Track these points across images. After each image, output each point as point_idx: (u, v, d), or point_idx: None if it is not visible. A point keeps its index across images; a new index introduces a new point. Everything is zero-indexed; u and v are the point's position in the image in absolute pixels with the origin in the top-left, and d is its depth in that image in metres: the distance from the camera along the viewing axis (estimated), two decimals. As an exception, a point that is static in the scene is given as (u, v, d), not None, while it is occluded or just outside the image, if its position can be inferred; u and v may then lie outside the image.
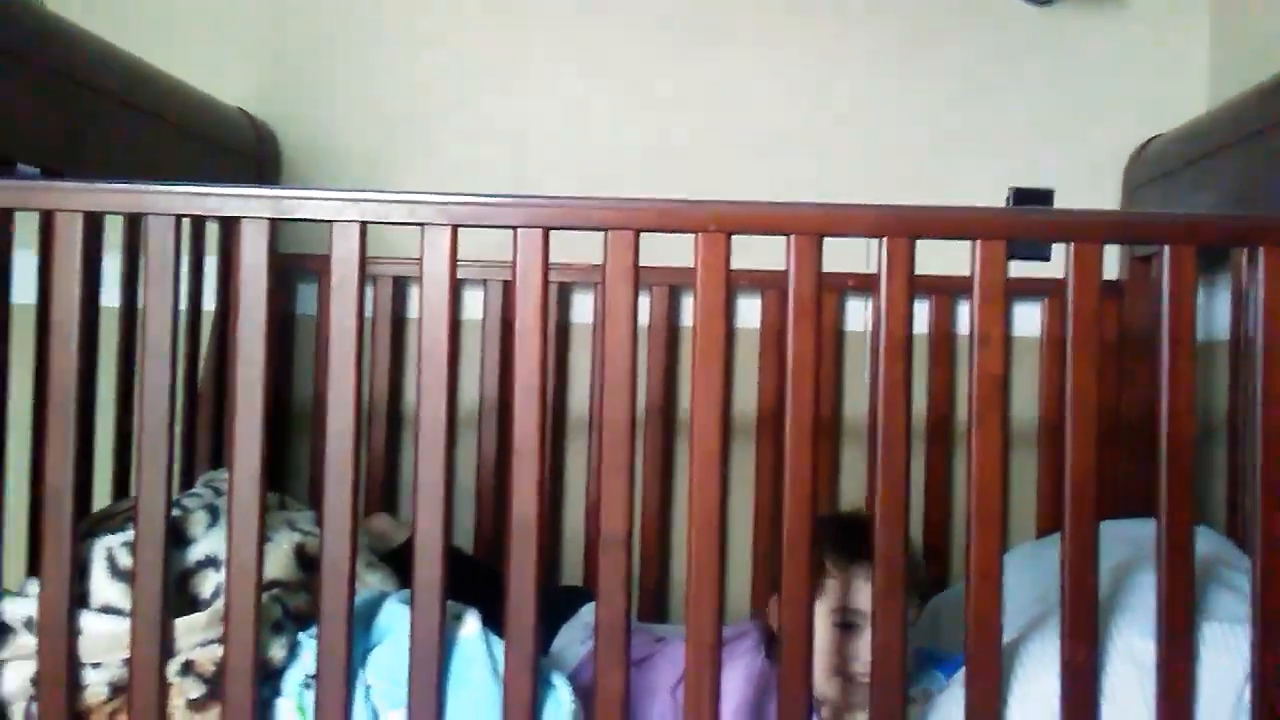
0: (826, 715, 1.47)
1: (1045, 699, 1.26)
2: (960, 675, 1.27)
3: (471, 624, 1.30)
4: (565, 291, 2.10)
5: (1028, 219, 1.28)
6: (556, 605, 1.73)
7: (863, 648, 1.43)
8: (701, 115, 2.11)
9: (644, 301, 2.04)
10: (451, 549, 1.31)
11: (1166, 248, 1.25)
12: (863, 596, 1.44)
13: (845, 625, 1.46)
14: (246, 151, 2.02)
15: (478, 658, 1.27)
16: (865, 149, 2.09)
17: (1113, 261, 2.00)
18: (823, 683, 1.46)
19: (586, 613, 1.73)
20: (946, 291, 1.99)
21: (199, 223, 1.85)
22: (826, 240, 1.25)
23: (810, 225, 1.26)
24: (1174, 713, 1.24)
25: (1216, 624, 1.30)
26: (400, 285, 2.10)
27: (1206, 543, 1.48)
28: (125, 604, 1.27)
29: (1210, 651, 1.27)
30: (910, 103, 2.10)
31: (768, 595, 1.57)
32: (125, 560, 1.30)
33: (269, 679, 1.30)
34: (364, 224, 1.26)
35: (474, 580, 1.46)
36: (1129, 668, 1.27)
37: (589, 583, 1.97)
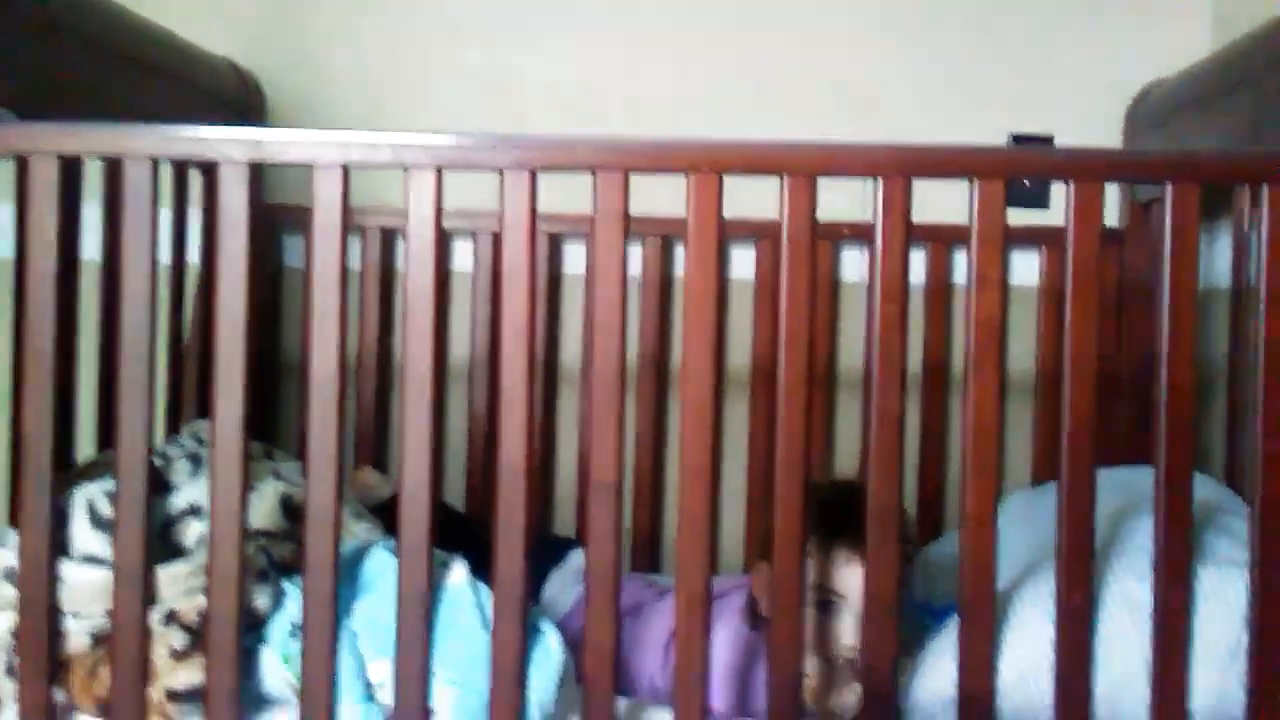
0: (806, 696, 1.42)
1: (1039, 643, 1.25)
2: (953, 621, 1.26)
3: (459, 572, 1.28)
4: (556, 242, 2.06)
5: (1027, 158, 1.25)
6: (547, 555, 1.72)
7: (843, 630, 1.37)
8: (699, 66, 2.07)
9: (636, 253, 2.00)
10: (440, 504, 1.29)
11: (1169, 186, 1.22)
12: (843, 577, 1.37)
13: (822, 604, 1.38)
14: (232, 103, 1.97)
15: (465, 606, 1.25)
16: (864, 94, 2.05)
17: (1112, 210, 1.97)
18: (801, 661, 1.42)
19: (576, 557, 1.71)
20: (943, 240, 1.96)
21: (182, 175, 1.81)
22: (822, 189, 1.22)
23: (804, 165, 1.22)
24: (1170, 656, 1.23)
25: (1214, 568, 1.28)
26: (389, 237, 2.06)
27: (1204, 489, 1.46)
28: (107, 553, 1.25)
29: (1207, 596, 1.26)
30: (909, 48, 2.05)
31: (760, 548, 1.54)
32: (106, 509, 1.28)
33: (254, 628, 1.28)
34: (346, 167, 1.23)
35: (462, 535, 1.44)
36: (1124, 612, 1.26)
37: (581, 535, 1.96)
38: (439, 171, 1.23)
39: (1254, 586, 1.24)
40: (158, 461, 1.34)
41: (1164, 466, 1.23)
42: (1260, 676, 1.23)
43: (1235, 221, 1.62)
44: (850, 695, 1.35)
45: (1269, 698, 1.20)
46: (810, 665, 1.38)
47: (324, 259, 1.23)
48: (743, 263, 2.04)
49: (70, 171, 1.30)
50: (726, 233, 1.34)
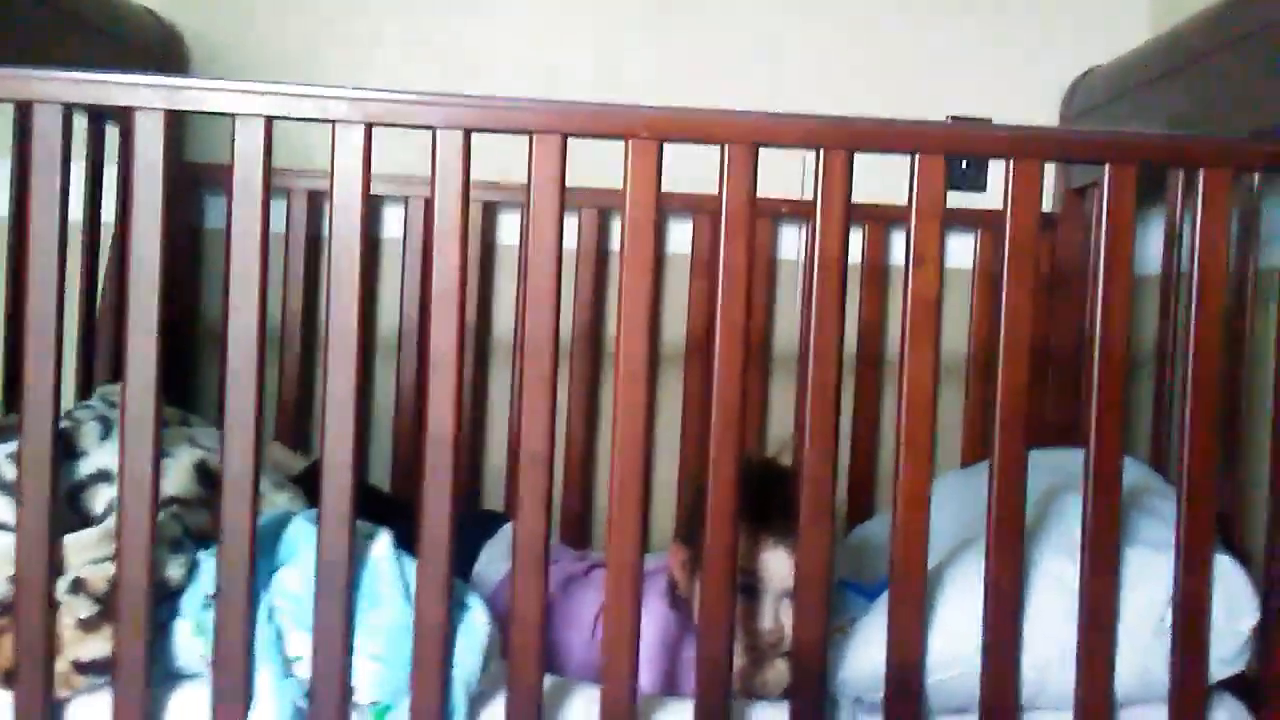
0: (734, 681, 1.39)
1: (968, 621, 1.25)
2: (884, 599, 1.25)
3: (383, 543, 1.24)
4: (490, 211, 2.02)
5: (968, 133, 1.25)
6: (477, 530, 1.68)
7: (763, 614, 1.35)
8: (650, 37, 2.04)
9: (572, 224, 1.97)
10: (363, 484, 1.25)
11: (1107, 167, 1.22)
12: (765, 562, 1.35)
13: (745, 588, 1.34)
14: (151, 53, 1.89)
15: (388, 578, 1.22)
16: (800, 76, 2.04)
17: (1045, 196, 1.98)
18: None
19: (508, 531, 1.68)
20: (880, 220, 1.96)
21: (98, 130, 1.74)
22: (761, 166, 1.20)
23: (746, 134, 1.20)
24: (1097, 635, 1.24)
25: (1140, 549, 1.30)
26: (316, 201, 2.00)
27: (1130, 472, 1.47)
28: (10, 518, 1.19)
29: (1133, 575, 1.27)
30: (845, 30, 2.04)
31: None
32: (9, 472, 1.21)
33: (166, 599, 1.23)
34: (269, 119, 1.18)
35: (386, 516, 1.39)
36: (1052, 591, 1.27)
37: (510, 509, 1.92)
38: (368, 128, 1.18)
39: (1178, 567, 1.25)
40: (65, 424, 1.28)
41: (1094, 444, 1.23)
42: (1183, 655, 1.25)
43: (1168, 208, 1.64)
44: (772, 675, 1.34)
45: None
46: (736, 647, 1.36)
47: (244, 215, 1.18)
48: (679, 237, 2.02)
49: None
50: (663, 205, 1.31)
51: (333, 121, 1.18)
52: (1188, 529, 1.25)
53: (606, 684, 1.20)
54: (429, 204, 1.92)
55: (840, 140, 1.20)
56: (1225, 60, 1.43)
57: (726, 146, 1.20)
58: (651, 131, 1.20)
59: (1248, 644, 1.29)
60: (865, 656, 1.27)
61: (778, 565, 1.34)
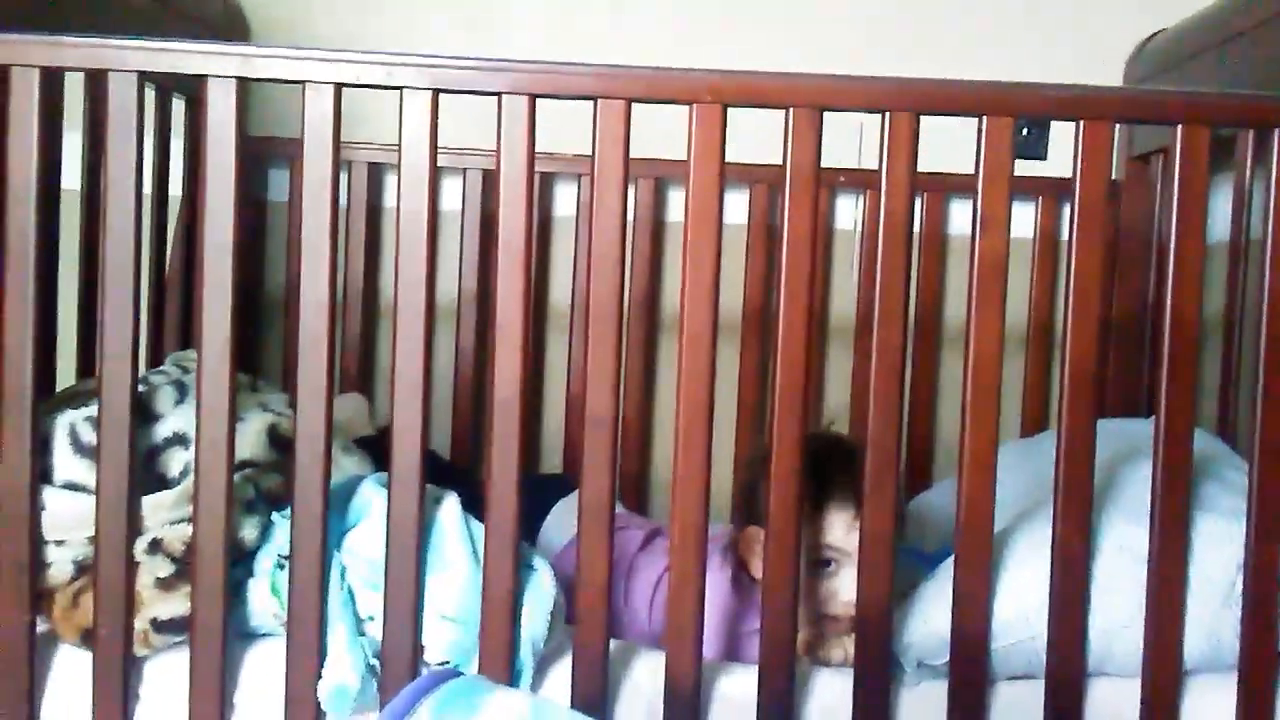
0: (801, 648, 1.41)
1: (1034, 586, 1.24)
2: (947, 564, 1.25)
3: (451, 506, 1.26)
4: (548, 183, 2.03)
5: (1036, 95, 1.23)
6: (536, 494, 1.69)
7: (841, 588, 1.34)
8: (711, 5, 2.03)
9: (629, 194, 1.97)
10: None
11: (1179, 129, 1.20)
12: (838, 532, 1.34)
13: (821, 563, 1.35)
14: (213, 25, 1.92)
15: (457, 540, 1.23)
16: (855, 43, 2.02)
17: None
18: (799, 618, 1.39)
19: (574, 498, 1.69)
20: (939, 189, 1.94)
21: (165, 103, 1.76)
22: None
23: (811, 97, 1.20)
24: (1166, 602, 1.23)
25: (1210, 516, 1.28)
26: (376, 173, 2.02)
27: (1199, 440, 1.46)
28: (90, 480, 1.22)
29: (1203, 543, 1.26)
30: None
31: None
32: (88, 435, 1.24)
33: (241, 560, 1.26)
34: (338, 86, 1.19)
35: (444, 481, 1.41)
36: (1121, 557, 1.26)
37: (568, 472, 1.94)
38: (435, 94, 1.19)
39: (1250, 535, 1.23)
40: (141, 389, 1.31)
41: (1165, 412, 1.22)
42: (1253, 623, 1.23)
43: (1236, 173, 1.61)
44: (839, 650, 1.34)
45: None
46: (802, 619, 1.37)
47: (314, 182, 1.20)
48: (735, 207, 2.02)
49: (52, 87, 1.25)
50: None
51: (400, 88, 1.19)
52: (1260, 497, 1.23)
53: (671, 645, 1.21)
54: (488, 174, 1.95)
55: (906, 102, 1.19)
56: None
57: (790, 111, 1.20)
58: (715, 96, 1.19)
59: (1320, 612, 1.27)
60: (930, 621, 1.27)
61: (855, 536, 1.33)
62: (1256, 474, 1.23)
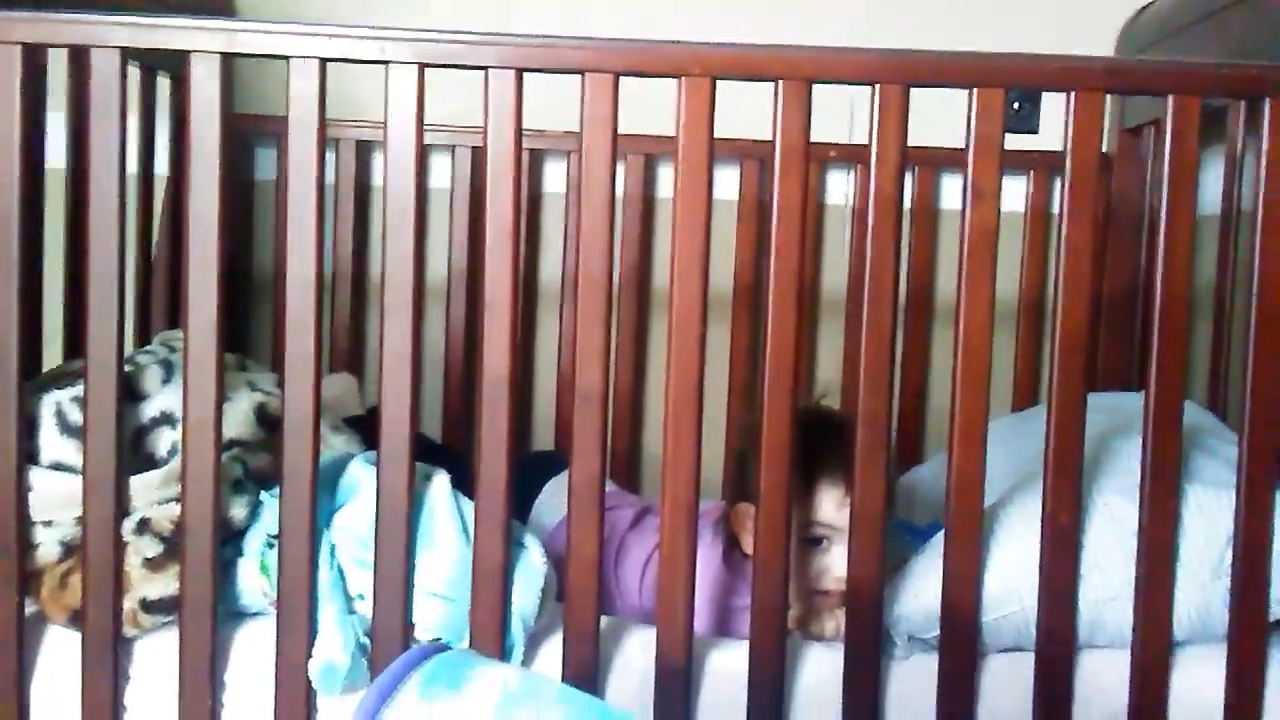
0: (792, 624, 1.41)
1: (1024, 558, 1.25)
2: (938, 538, 1.25)
3: (441, 483, 1.25)
4: (538, 160, 2.02)
5: (1028, 66, 1.22)
6: (528, 471, 1.69)
7: (833, 563, 1.34)
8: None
9: (618, 171, 1.95)
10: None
11: (1170, 99, 1.20)
12: (828, 508, 1.34)
13: (812, 540, 1.35)
14: (199, 5, 1.90)
15: (447, 517, 1.23)
16: (845, 16, 2.00)
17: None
18: (791, 593, 1.40)
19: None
20: (930, 163, 1.93)
21: (149, 82, 1.75)
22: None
23: (800, 69, 1.19)
24: (1155, 574, 1.23)
25: (1200, 488, 1.28)
26: (364, 151, 2.01)
27: (1188, 414, 1.46)
28: (76, 460, 1.22)
29: (1193, 515, 1.26)
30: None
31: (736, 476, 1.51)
32: (75, 415, 1.24)
33: (230, 539, 1.26)
34: (324, 61, 1.18)
35: (434, 461, 1.40)
36: (1111, 529, 1.26)
37: (560, 449, 1.93)
38: (421, 69, 1.18)
39: (1239, 507, 1.23)
40: (128, 368, 1.30)
41: (1155, 383, 1.22)
42: (1243, 595, 1.24)
43: (1228, 144, 1.60)
44: (831, 623, 1.35)
45: None
46: (794, 595, 1.37)
47: (300, 158, 1.19)
48: (724, 183, 2.01)
49: (34, 64, 1.24)
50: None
51: (386, 63, 1.18)
52: (1249, 468, 1.23)
53: (661, 622, 1.21)
54: (477, 152, 1.93)
55: (897, 74, 1.19)
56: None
57: (780, 83, 1.19)
58: (704, 68, 1.19)
59: (1309, 583, 1.28)
60: (920, 594, 1.27)
61: (844, 514, 1.33)
62: (1246, 446, 1.23)
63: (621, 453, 1.98)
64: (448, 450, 1.89)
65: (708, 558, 1.40)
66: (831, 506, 1.35)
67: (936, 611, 1.24)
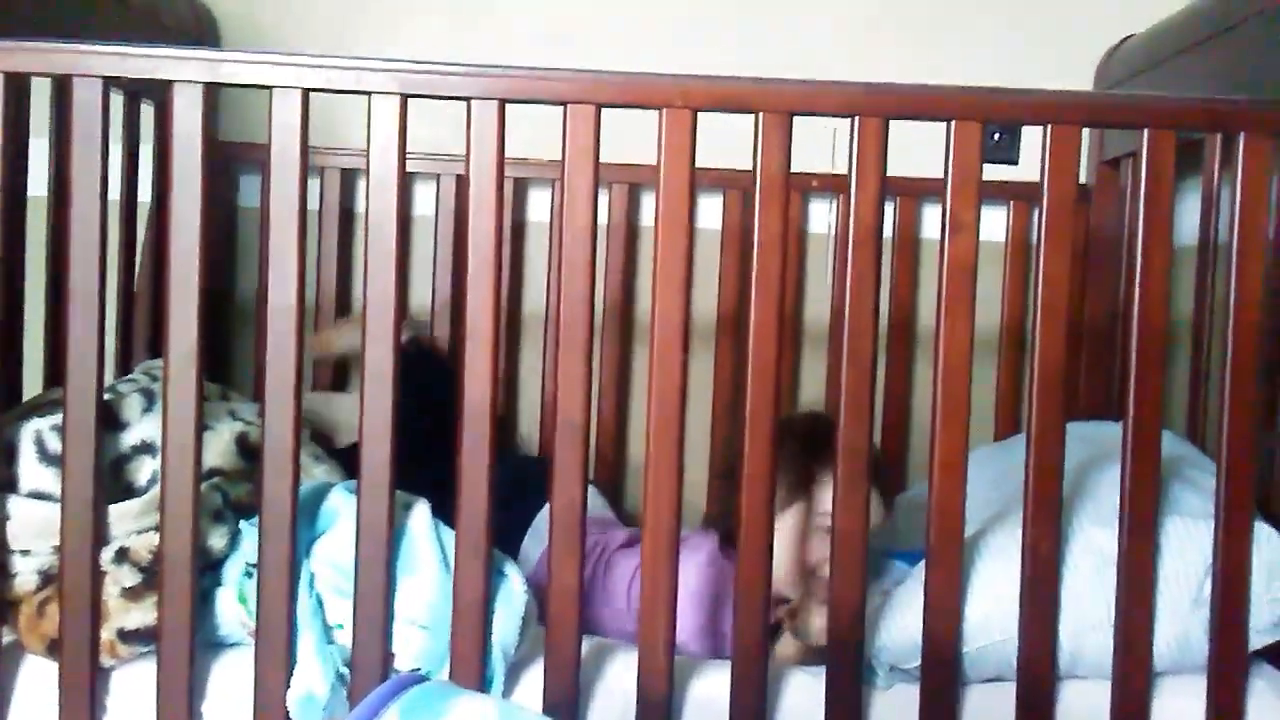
0: (783, 614, 1.44)
1: (1004, 589, 1.25)
2: (921, 566, 1.25)
3: (421, 512, 1.25)
4: (521, 188, 2.02)
5: (1005, 99, 1.24)
6: (515, 476, 1.71)
7: (815, 550, 1.44)
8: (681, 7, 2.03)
9: (602, 200, 1.97)
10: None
11: (1145, 133, 1.21)
12: (831, 498, 1.41)
13: (823, 529, 1.43)
14: (185, 31, 1.91)
15: (427, 546, 1.22)
16: (826, 48, 2.02)
17: (1080, 167, 1.96)
18: (792, 584, 1.44)
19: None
20: (911, 194, 1.95)
21: (134, 109, 1.75)
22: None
23: (781, 102, 1.20)
24: (1135, 604, 1.23)
25: (1179, 519, 1.29)
26: (349, 179, 2.01)
27: (1167, 445, 1.47)
28: (55, 489, 1.21)
29: (1171, 544, 1.27)
30: (875, 2, 2.03)
31: (723, 500, 1.54)
32: (54, 444, 1.23)
33: (209, 569, 1.25)
34: (306, 91, 1.19)
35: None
36: (1089, 560, 1.26)
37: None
38: (404, 99, 1.19)
39: (1218, 536, 1.24)
40: (108, 397, 1.30)
41: (1133, 413, 1.23)
42: (1223, 624, 1.24)
43: (1204, 177, 1.62)
44: (818, 619, 1.36)
45: None
46: (792, 585, 1.41)
47: (282, 187, 1.19)
48: (707, 213, 2.02)
49: (17, 93, 1.24)
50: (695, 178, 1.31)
51: (369, 93, 1.18)
52: (1227, 498, 1.24)
53: (643, 650, 1.21)
54: (461, 180, 1.94)
55: (876, 108, 1.20)
56: (1265, 24, 1.41)
57: (761, 115, 1.20)
58: (686, 101, 1.20)
59: (1287, 613, 1.28)
60: (902, 623, 1.27)
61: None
62: (1224, 475, 1.24)
63: (605, 481, 1.98)
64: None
65: (701, 559, 1.42)
66: (823, 493, 1.40)
67: (918, 641, 1.24)
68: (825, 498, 1.41)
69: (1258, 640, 1.28)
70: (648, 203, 2.03)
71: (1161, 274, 1.21)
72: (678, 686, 1.24)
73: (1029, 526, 1.22)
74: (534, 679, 1.24)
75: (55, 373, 1.52)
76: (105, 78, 1.19)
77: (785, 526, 1.43)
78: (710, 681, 1.27)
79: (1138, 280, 1.22)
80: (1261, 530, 1.28)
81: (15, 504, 1.21)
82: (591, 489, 1.85)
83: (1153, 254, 1.21)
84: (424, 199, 2.02)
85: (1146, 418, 1.23)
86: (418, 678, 0.85)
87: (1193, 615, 1.26)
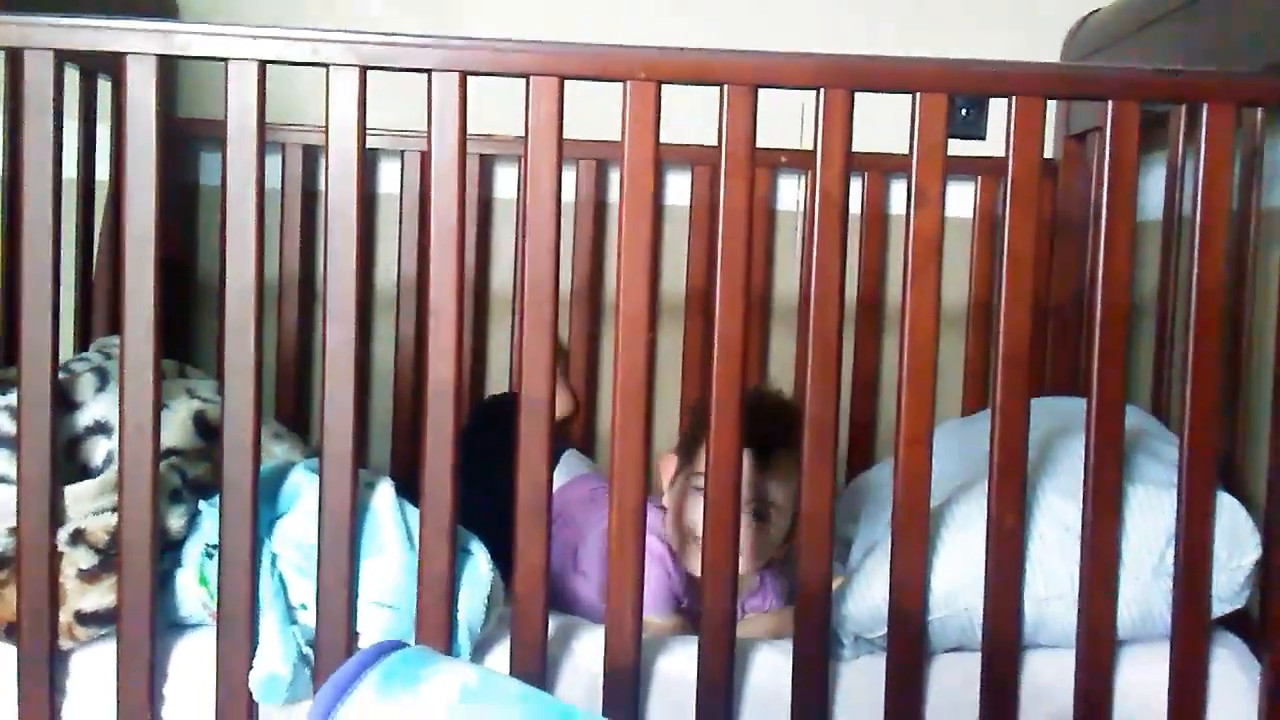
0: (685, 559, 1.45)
1: (969, 560, 1.25)
2: (886, 539, 1.25)
3: (385, 490, 1.24)
4: (487, 165, 2.00)
5: (970, 71, 1.23)
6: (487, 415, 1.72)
7: (775, 536, 1.43)
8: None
9: (569, 176, 1.95)
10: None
11: (1110, 104, 1.21)
12: (774, 488, 1.42)
13: (759, 516, 1.43)
14: (141, 9, 1.87)
15: (391, 525, 1.21)
16: (793, 21, 2.01)
17: (1046, 143, 1.96)
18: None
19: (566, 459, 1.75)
20: (879, 169, 1.94)
21: (90, 83, 1.72)
22: (760, 114, 1.18)
23: (745, 75, 1.19)
24: (1098, 574, 1.24)
25: (1141, 488, 1.29)
26: (310, 156, 1.98)
27: (1131, 416, 1.48)
28: (10, 471, 1.19)
29: (1134, 513, 1.27)
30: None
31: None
32: (7, 425, 1.21)
33: (168, 550, 1.23)
34: (262, 63, 1.16)
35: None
36: (1054, 530, 1.27)
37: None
38: (363, 71, 1.17)
39: (1180, 506, 1.25)
40: (61, 376, 1.27)
41: (1097, 385, 1.23)
42: (1185, 593, 1.25)
43: (1169, 148, 1.62)
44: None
45: None
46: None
47: (239, 163, 1.17)
48: (675, 189, 2.01)
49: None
50: (661, 155, 1.30)
51: (327, 65, 1.16)
52: (1190, 468, 1.25)
53: (610, 625, 1.21)
54: (425, 156, 1.91)
55: (841, 79, 1.19)
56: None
57: (726, 88, 1.19)
58: (649, 73, 1.18)
59: (1249, 581, 1.29)
60: (867, 594, 1.27)
61: (786, 491, 1.43)
62: (1186, 446, 1.24)
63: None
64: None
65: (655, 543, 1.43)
66: (775, 483, 1.42)
67: (883, 611, 1.24)
68: (702, 459, 1.39)
69: (1220, 609, 1.29)
70: (616, 180, 2.01)
71: (1125, 247, 1.21)
72: (645, 661, 1.24)
73: (994, 499, 1.23)
74: (500, 657, 1.24)
75: (10, 353, 1.49)
76: (57, 50, 1.16)
77: (672, 491, 1.48)
78: (677, 656, 1.27)
79: (1101, 251, 1.22)
80: (1223, 498, 1.29)
81: (-32, 486, 1.19)
82: (577, 454, 1.86)
83: (1117, 226, 1.21)
84: (388, 177, 1.99)
85: (1109, 390, 1.23)
86: (397, 644, 0.83)
87: (1155, 584, 1.27)
